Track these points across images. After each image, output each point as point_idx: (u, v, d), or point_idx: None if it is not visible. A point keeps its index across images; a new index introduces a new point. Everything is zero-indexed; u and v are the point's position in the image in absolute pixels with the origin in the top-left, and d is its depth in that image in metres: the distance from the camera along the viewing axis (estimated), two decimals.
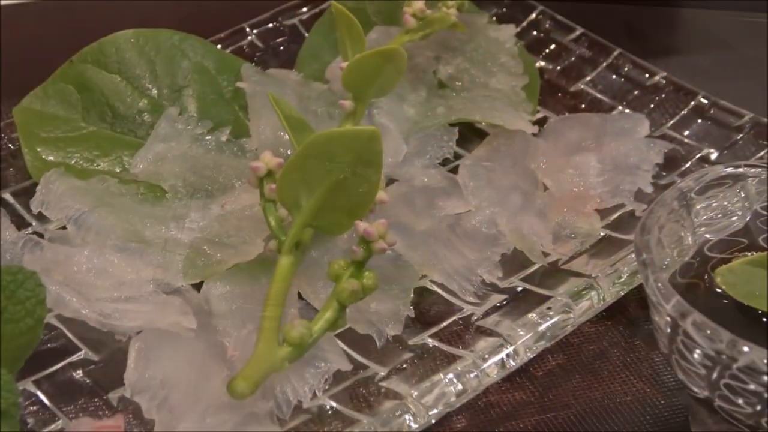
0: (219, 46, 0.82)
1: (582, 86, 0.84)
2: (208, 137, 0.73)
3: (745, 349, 0.51)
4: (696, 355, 0.54)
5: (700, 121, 0.79)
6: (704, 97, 0.80)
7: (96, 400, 0.61)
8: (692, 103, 0.80)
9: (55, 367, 0.63)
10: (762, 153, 0.75)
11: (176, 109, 0.74)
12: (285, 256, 0.62)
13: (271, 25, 0.87)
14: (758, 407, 0.53)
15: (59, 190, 0.68)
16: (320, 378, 0.60)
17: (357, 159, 0.60)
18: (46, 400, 0.61)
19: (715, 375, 0.54)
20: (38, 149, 0.72)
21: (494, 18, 0.88)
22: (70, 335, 0.64)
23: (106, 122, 0.74)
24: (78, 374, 0.63)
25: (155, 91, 0.76)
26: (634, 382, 0.64)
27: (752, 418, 0.54)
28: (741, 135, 0.77)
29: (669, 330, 0.55)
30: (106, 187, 0.69)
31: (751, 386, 0.52)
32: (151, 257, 0.66)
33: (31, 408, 0.60)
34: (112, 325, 0.62)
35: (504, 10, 0.90)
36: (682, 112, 0.80)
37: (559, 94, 0.84)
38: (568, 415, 0.63)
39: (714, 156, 0.76)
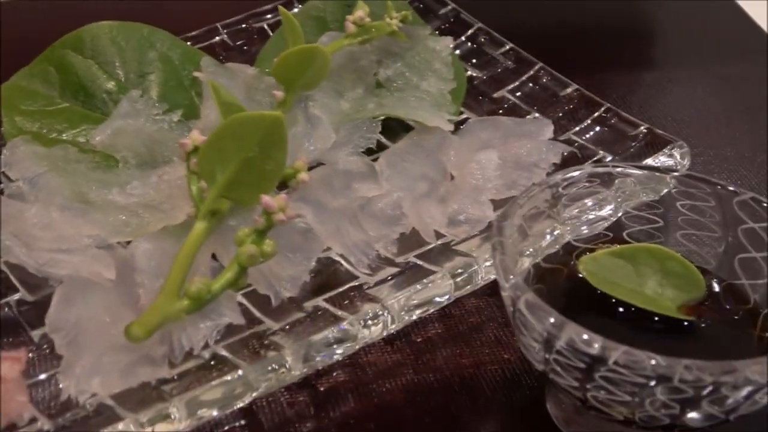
0: (192, 43, 0.79)
1: (504, 93, 0.80)
2: (162, 117, 0.70)
3: (567, 327, 0.48)
4: (531, 332, 0.50)
5: (600, 128, 0.75)
6: (607, 109, 0.75)
7: (22, 335, 0.58)
8: (596, 113, 0.76)
9: None
10: (648, 159, 0.70)
11: (138, 92, 0.71)
12: (200, 222, 0.59)
13: (242, 26, 0.84)
14: (581, 381, 0.49)
15: (22, 154, 0.66)
16: (213, 329, 0.57)
17: (263, 140, 0.58)
18: None
19: (545, 351, 0.50)
20: (16, 119, 0.70)
21: (437, 31, 0.84)
22: (12, 278, 0.61)
23: (79, 100, 0.72)
24: (12, 312, 0.60)
25: (123, 76, 0.73)
26: (502, 353, 0.61)
27: (579, 391, 0.50)
28: (635, 143, 0.72)
29: (510, 308, 0.51)
30: (65, 154, 0.67)
31: (574, 362, 0.48)
32: (92, 216, 0.63)
33: None
34: (46, 272, 0.60)
35: (447, 24, 0.86)
36: (587, 121, 0.75)
37: (484, 99, 0.80)
38: (437, 377, 0.59)
39: (608, 159, 0.72)
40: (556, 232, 0.60)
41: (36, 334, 0.58)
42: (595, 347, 0.47)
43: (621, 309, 0.55)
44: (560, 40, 0.94)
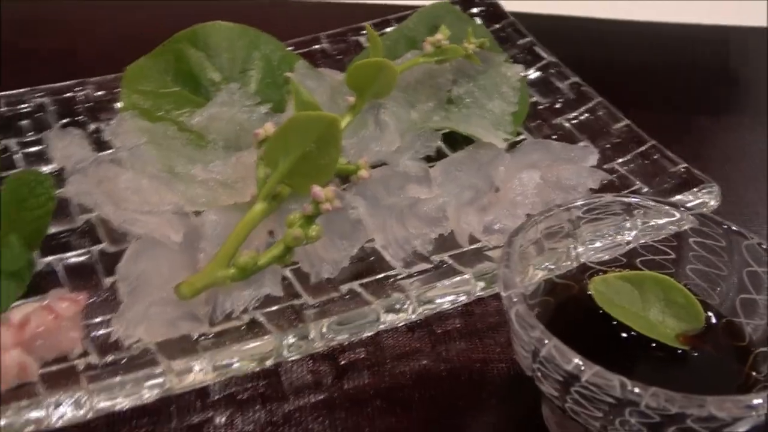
0: (295, 48, 0.77)
1: (561, 121, 0.75)
2: (253, 109, 0.68)
3: (549, 343, 0.43)
4: (520, 340, 0.46)
5: (642, 162, 0.69)
6: (652, 146, 0.69)
7: (95, 280, 0.58)
8: (641, 148, 0.70)
9: (81, 251, 0.60)
10: (680, 195, 0.64)
11: (237, 85, 0.69)
12: (259, 203, 0.57)
13: (342, 38, 0.81)
14: (560, 392, 0.45)
15: (128, 126, 0.65)
16: (254, 297, 0.55)
17: (320, 137, 0.55)
18: (62, 272, 0.58)
19: (531, 360, 0.46)
20: (132, 96, 0.69)
21: (512, 58, 0.80)
22: (100, 231, 0.61)
23: (187, 86, 0.71)
24: (93, 260, 0.59)
25: (227, 70, 0.71)
26: (512, 354, 0.56)
27: (559, 400, 0.46)
28: (671, 179, 0.67)
29: (508, 315, 0.47)
30: (165, 131, 0.66)
31: (554, 375, 0.44)
32: (175, 186, 0.62)
33: (48, 277, 0.58)
34: (127, 229, 0.59)
35: (522, 53, 0.81)
36: (631, 154, 0.70)
37: (543, 124, 0.75)
38: (447, 366, 0.56)
39: (643, 191, 0.66)
40: (573, 253, 0.55)
41: (107, 281, 0.57)
42: (571, 364, 0.43)
43: (621, 330, 0.50)
44: (629, 76, 0.88)
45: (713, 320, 0.52)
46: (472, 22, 0.81)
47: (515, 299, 0.46)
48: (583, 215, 0.55)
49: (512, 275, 0.48)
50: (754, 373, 0.49)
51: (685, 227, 0.54)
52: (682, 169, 0.67)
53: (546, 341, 0.44)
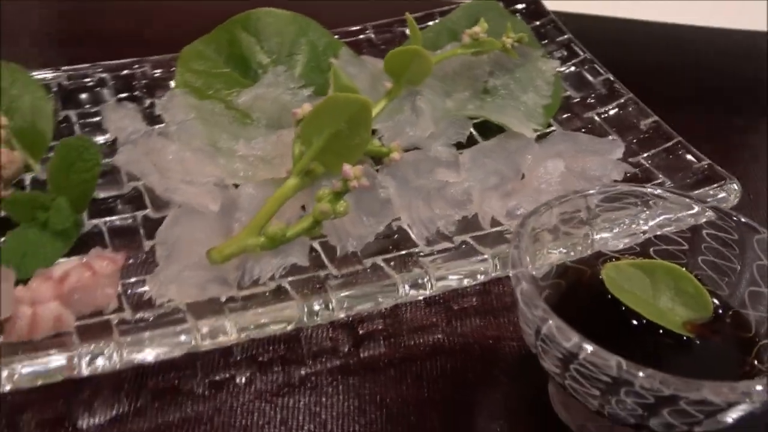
0: (342, 36, 0.76)
1: (592, 115, 0.73)
2: (297, 91, 0.67)
3: (550, 321, 0.42)
4: (525, 318, 0.45)
5: (667, 156, 0.66)
6: (678, 142, 0.67)
7: (137, 243, 0.58)
8: (668, 143, 0.67)
9: (126, 215, 0.60)
10: (701, 190, 0.62)
11: (283, 68, 0.69)
12: (293, 178, 0.57)
13: (388, 28, 0.80)
14: (560, 369, 0.43)
15: (178, 102, 0.65)
16: (281, 266, 0.55)
17: (351, 119, 0.55)
18: (107, 233, 0.59)
19: (534, 337, 0.45)
20: (186, 75, 0.69)
21: (550, 53, 0.78)
22: (146, 198, 0.61)
23: (237, 68, 0.70)
24: (137, 224, 0.60)
25: (275, 53, 0.71)
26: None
27: (559, 377, 0.44)
28: (694, 175, 0.64)
29: (514, 293, 0.46)
30: (212, 108, 0.66)
31: (554, 352, 0.43)
32: (217, 160, 0.61)
33: (94, 237, 0.58)
34: (169, 197, 0.59)
35: (559, 49, 0.79)
36: (657, 149, 0.67)
37: (574, 117, 0.73)
38: (461, 341, 0.55)
39: (666, 185, 0.64)
40: (589, 240, 0.54)
41: (148, 244, 0.57)
42: (570, 342, 0.41)
43: (629, 316, 0.48)
44: (665, 76, 0.85)
45: (721, 311, 0.50)
46: (512, 18, 0.79)
47: (521, 278, 0.45)
48: (600, 203, 0.53)
49: (521, 255, 0.46)
50: (757, 363, 0.47)
51: (701, 220, 0.52)
52: (705, 166, 0.64)
53: (548, 319, 0.42)
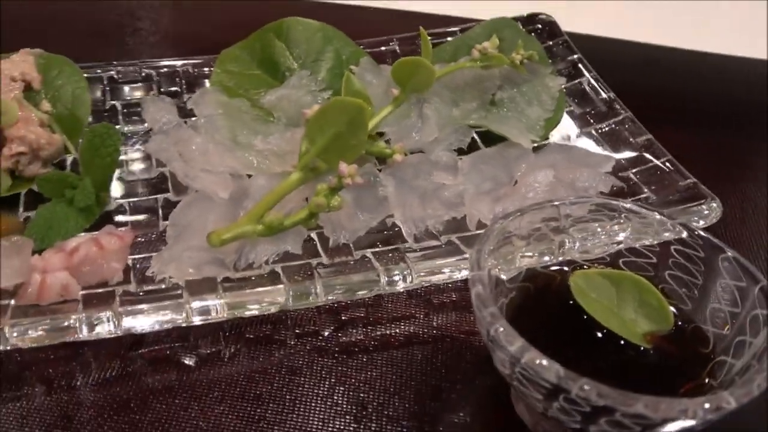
0: (367, 46, 0.72)
1: (591, 129, 0.68)
2: (318, 94, 0.64)
3: (497, 325, 0.38)
4: (479, 314, 0.41)
5: (655, 173, 0.61)
6: (668, 160, 0.62)
7: (153, 222, 0.56)
8: (658, 160, 0.62)
9: (150, 197, 0.58)
10: (682, 206, 0.57)
11: (308, 72, 0.66)
12: (296, 172, 0.54)
13: (412, 41, 0.75)
14: (509, 370, 0.39)
15: (208, 98, 0.63)
16: (275, 252, 0.52)
17: (350, 121, 0.52)
18: (130, 212, 0.57)
19: (486, 336, 0.41)
20: (221, 74, 0.66)
21: (559, 69, 0.73)
22: (169, 183, 0.59)
23: (268, 71, 0.68)
24: (158, 205, 0.58)
25: (302, 59, 0.68)
26: None
27: (508, 377, 0.40)
28: (679, 192, 0.59)
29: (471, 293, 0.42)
30: (239, 105, 0.63)
31: (502, 354, 0.39)
32: (236, 153, 0.59)
33: (118, 214, 0.56)
34: (189, 183, 0.57)
35: (567, 67, 0.74)
36: (647, 165, 0.62)
37: (573, 131, 0.68)
38: (437, 333, 0.51)
39: (650, 200, 0.59)
40: (561, 248, 0.49)
41: (163, 224, 0.55)
42: (512, 346, 0.37)
43: (590, 324, 0.44)
44: (669, 98, 0.78)
45: (682, 324, 0.45)
46: (526, 36, 0.74)
47: (477, 280, 0.41)
48: (575, 213, 0.49)
49: (481, 257, 0.42)
50: (709, 380, 0.42)
51: (670, 237, 0.47)
52: (691, 184, 0.59)
53: (495, 323, 0.38)
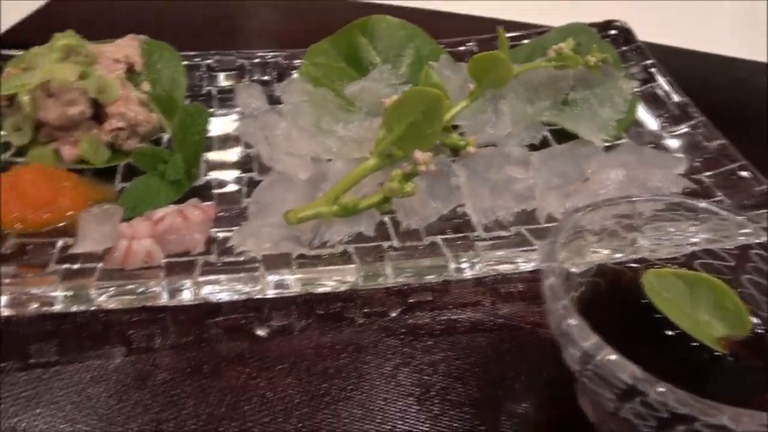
0: (447, 45, 0.66)
1: (663, 132, 0.60)
2: (397, 86, 0.59)
3: (570, 319, 0.32)
4: (551, 306, 0.35)
5: (729, 177, 0.53)
6: (743, 165, 0.54)
7: (237, 199, 0.52)
8: (732, 165, 0.54)
9: (236, 175, 0.54)
10: (757, 212, 0.49)
11: (389, 66, 0.61)
12: (373, 159, 0.49)
13: (490, 42, 0.69)
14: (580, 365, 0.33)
15: (295, 87, 0.59)
16: (349, 233, 0.47)
17: (426, 110, 0.46)
18: (214, 187, 0.53)
19: (557, 329, 0.35)
20: (310, 66, 0.62)
21: (632, 73, 0.65)
22: (254, 164, 0.55)
23: (352, 64, 0.63)
24: (242, 184, 0.53)
25: (385, 54, 0.63)
26: None
27: (579, 374, 0.34)
28: (754, 197, 0.51)
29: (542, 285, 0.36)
30: (324, 95, 0.59)
31: (574, 350, 0.33)
32: (317, 138, 0.54)
33: (205, 189, 0.53)
34: (272, 165, 0.53)
35: (642, 71, 0.66)
36: (721, 168, 0.54)
37: (645, 133, 0.60)
38: (500, 322, 0.45)
39: (724, 203, 0.51)
40: (635, 245, 0.43)
41: (245, 201, 0.51)
42: (586, 342, 0.31)
43: (662, 324, 0.37)
44: (748, 110, 0.69)
45: (759, 332, 0.38)
46: (601, 41, 0.67)
47: (550, 271, 0.35)
48: (651, 211, 0.42)
49: (555, 249, 0.36)
50: None
51: (752, 240, 0.40)
52: (766, 189, 0.51)
53: (568, 317, 0.32)
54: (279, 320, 0.44)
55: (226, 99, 0.62)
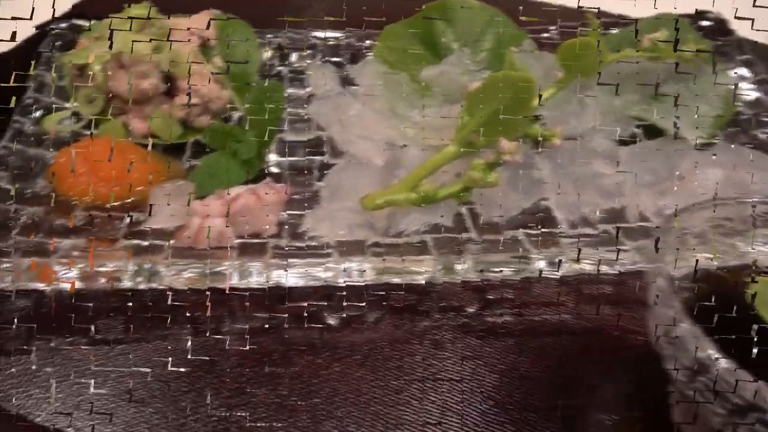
0: (530, 31, 0.63)
1: (759, 133, 0.56)
2: (476, 72, 0.57)
3: (684, 325, 0.30)
4: (659, 308, 0.33)
5: None
6: None
7: (309, 181, 0.50)
8: None
9: (307, 157, 0.52)
10: None
11: (468, 51, 0.59)
12: (452, 146, 0.47)
13: (569, 29, 0.66)
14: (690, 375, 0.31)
15: (369, 69, 0.57)
16: (426, 222, 0.46)
17: (513, 96, 0.44)
18: (288, 169, 0.51)
19: (664, 335, 0.32)
20: (384, 49, 0.60)
21: (727, 70, 0.61)
22: (326, 146, 0.53)
23: (428, 48, 0.60)
24: (315, 165, 0.52)
25: (463, 38, 0.61)
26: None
27: (686, 385, 0.32)
28: None
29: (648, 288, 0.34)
30: (398, 78, 0.57)
31: (684, 356, 0.30)
32: (392, 122, 0.53)
33: (273, 169, 0.52)
34: (345, 148, 0.51)
35: (739, 67, 0.62)
36: None
37: (740, 132, 0.57)
38: (585, 325, 0.43)
39: None
40: (740, 250, 0.40)
41: (318, 184, 0.50)
42: (703, 353, 0.29)
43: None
44: None
45: None
46: (694, 33, 0.64)
47: (659, 274, 0.33)
48: (760, 214, 0.39)
49: (662, 251, 0.34)
50: None
51: None
52: None
53: (682, 323, 0.30)
54: (351, 309, 0.43)
55: (296, 79, 0.61)
